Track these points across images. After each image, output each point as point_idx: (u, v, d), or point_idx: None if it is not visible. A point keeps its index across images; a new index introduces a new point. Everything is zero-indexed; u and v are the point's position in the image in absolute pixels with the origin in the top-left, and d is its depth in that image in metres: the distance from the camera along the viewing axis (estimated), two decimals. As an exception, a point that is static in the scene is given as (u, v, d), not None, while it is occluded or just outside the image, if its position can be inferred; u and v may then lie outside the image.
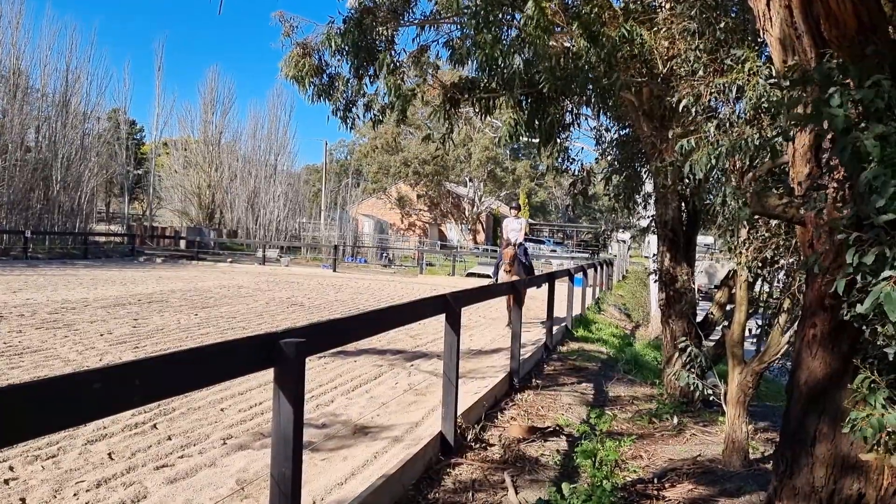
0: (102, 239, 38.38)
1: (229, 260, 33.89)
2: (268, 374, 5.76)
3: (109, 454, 5.21)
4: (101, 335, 10.28)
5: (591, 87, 6.69)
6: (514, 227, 13.29)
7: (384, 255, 41.62)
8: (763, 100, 4.63)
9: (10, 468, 4.82)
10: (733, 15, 6.07)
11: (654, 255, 10.56)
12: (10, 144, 31.41)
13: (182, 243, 38.08)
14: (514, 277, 11.53)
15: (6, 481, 4.60)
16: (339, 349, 9.04)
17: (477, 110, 7.67)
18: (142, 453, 5.27)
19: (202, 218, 44.71)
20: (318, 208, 54.29)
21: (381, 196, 63.17)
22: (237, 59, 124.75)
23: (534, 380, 8.62)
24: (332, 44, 7.08)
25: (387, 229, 55.63)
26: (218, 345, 2.83)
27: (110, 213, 57.30)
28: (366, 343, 9.54)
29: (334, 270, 31.44)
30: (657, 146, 7.06)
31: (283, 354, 2.87)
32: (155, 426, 5.97)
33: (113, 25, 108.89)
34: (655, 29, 6.06)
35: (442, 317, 5.84)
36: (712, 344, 8.17)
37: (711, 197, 5.62)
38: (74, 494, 4.45)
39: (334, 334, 3.89)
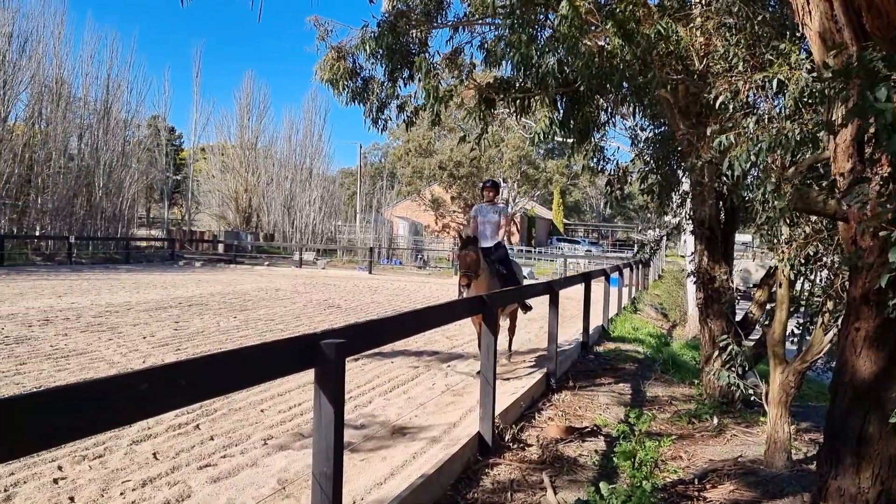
0: (143, 244, 39.13)
1: (266, 263, 34.27)
2: (305, 376, 5.84)
3: (154, 454, 5.32)
4: (144, 338, 10.48)
5: (625, 85, 6.64)
6: (491, 219, 9.14)
7: (419, 256, 41.72)
8: (805, 94, 4.56)
9: (59, 468, 4.95)
10: (771, 9, 5.99)
11: (690, 254, 10.43)
12: (53, 152, 32.21)
13: (220, 247, 38.63)
14: (478, 293, 7.41)
15: (55, 480, 4.72)
16: (376, 350, 9.10)
17: (512, 110, 7.66)
18: (185, 453, 5.37)
19: (239, 222, 45.27)
20: (353, 211, 54.67)
21: (415, 198, 63.30)
22: (272, 64, 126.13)
23: (570, 380, 8.58)
24: (367, 47, 7.12)
25: (421, 231, 55.74)
26: (260, 346, 2.87)
27: (150, 218, 58.30)
28: (402, 344, 9.59)
29: (370, 272, 31.61)
30: (693, 143, 6.98)
31: (323, 355, 2.91)
32: (198, 426, 6.07)
33: (152, 33, 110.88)
34: (692, 25, 6.01)
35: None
36: (751, 344, 8.05)
37: (750, 194, 5.53)
38: (121, 493, 4.56)
39: (373, 335, 3.92)
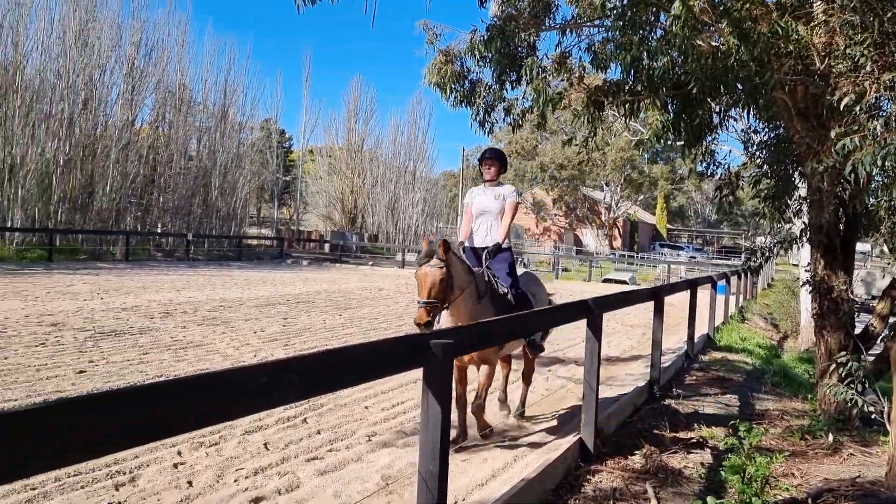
0: (254, 242, 40.77)
1: (370, 263, 35.01)
2: (406, 375, 5.95)
3: (265, 444, 5.55)
4: (255, 332, 10.92)
5: (740, 86, 6.43)
6: (489, 208, 6.24)
7: (519, 259, 41.61)
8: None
9: (179, 453, 5.23)
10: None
11: (806, 262, 9.97)
12: (175, 154, 34.10)
13: (326, 247, 39.80)
14: (445, 324, 5.40)
15: (175, 465, 5.00)
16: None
17: (621, 113, 7.54)
18: (294, 445, 5.58)
19: (345, 222, 46.45)
20: (454, 213, 55.08)
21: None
22: (379, 67, 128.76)
23: (674, 389, 8.37)
24: (476, 51, 7.17)
25: (522, 234, 55.63)
26: (371, 344, 2.96)
27: (261, 217, 60.62)
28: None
29: (470, 275, 31.67)
30: (812, 147, 6.68)
31: (432, 355, 2.96)
32: (305, 420, 6.29)
33: (267, 40, 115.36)
34: (813, 23, 5.75)
35: (578, 323, 5.81)
36: (872, 358, 7.62)
37: (875, 200, 5.24)
38: (235, 480, 4.78)
39: (480, 336, 3.96)
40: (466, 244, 6.23)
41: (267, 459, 5.22)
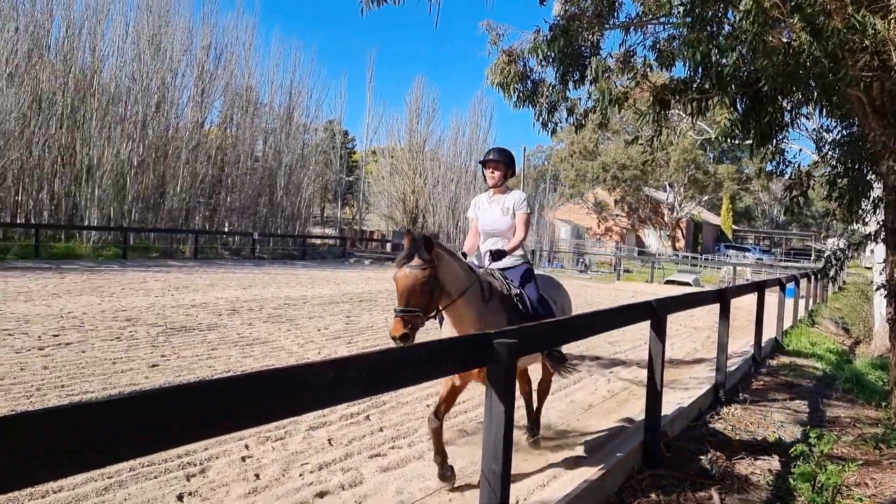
0: (318, 241, 41.48)
1: (430, 263, 35.09)
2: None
3: (329, 440, 5.66)
4: (319, 330, 11.12)
5: (812, 83, 6.25)
6: (498, 224, 5.43)
7: (580, 260, 41.29)
8: None
9: (246, 447, 5.38)
10: None
11: (881, 264, 9.60)
12: (241, 155, 35.03)
13: (388, 246, 40.23)
14: (447, 332, 4.81)
15: (243, 458, 5.14)
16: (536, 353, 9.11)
17: (688, 112, 7.41)
18: (357, 441, 5.67)
19: (406, 222, 46.77)
20: (513, 213, 54.88)
21: (577, 201, 62.69)
22: (440, 68, 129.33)
23: (741, 393, 8.18)
24: (539, 51, 7.16)
25: (583, 234, 55.14)
26: (437, 343, 2.99)
27: (324, 217, 61.57)
28: (563, 347, 9.54)
29: (530, 275, 31.61)
30: (889, 146, 6.46)
31: (496, 355, 2.98)
32: (368, 417, 6.38)
33: (331, 41, 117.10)
34: (891, 17, 5.55)
35: (641, 325, 5.74)
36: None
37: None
38: (300, 475, 4.89)
39: (544, 337, 3.96)
40: (475, 262, 5.27)
41: (331, 455, 5.31)
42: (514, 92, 7.95)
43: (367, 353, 2.73)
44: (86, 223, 27.23)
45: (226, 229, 34.57)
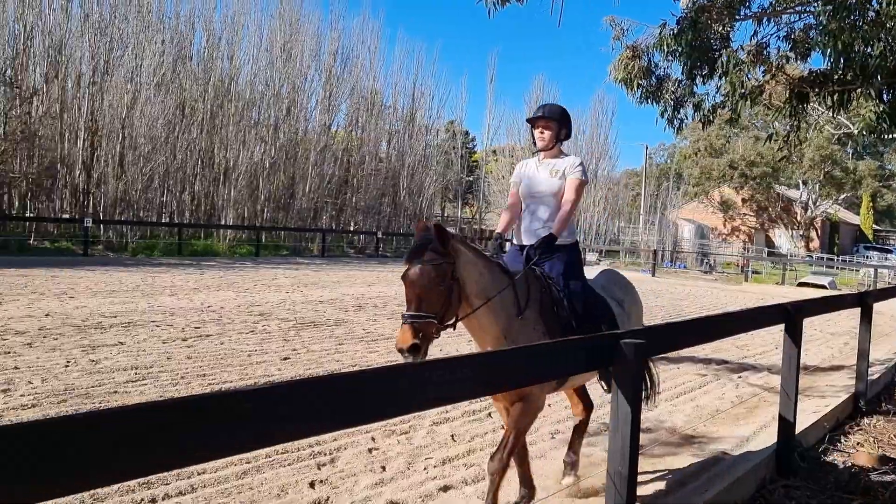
0: (438, 240, 42.03)
1: (549, 262, 34.93)
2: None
3: (452, 436, 5.76)
4: (440, 328, 11.29)
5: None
6: (545, 188, 4.42)
7: (705, 260, 39.88)
8: None
9: (373, 439, 5.55)
10: None
11: None
12: (366, 156, 36.18)
13: (508, 245, 40.32)
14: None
15: (370, 450, 5.31)
16: (661, 355, 8.90)
17: (828, 104, 7.02)
18: (479, 438, 5.74)
19: (525, 221, 46.66)
20: (636, 213, 53.68)
21: (702, 200, 60.43)
22: (560, 66, 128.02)
23: (884, 404, 7.68)
24: (665, 45, 7.00)
25: (708, 234, 53.07)
26: (561, 342, 3.00)
27: (445, 217, 62.30)
28: (688, 350, 9.27)
29: (653, 275, 30.87)
30: None
31: (622, 355, 2.95)
32: (489, 415, 6.43)
33: (452, 42, 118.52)
34: None
35: (772, 329, 5.50)
36: None
37: None
38: (425, 468, 5.01)
39: (671, 338, 3.88)
40: (513, 241, 4.54)
41: (454, 450, 5.41)
42: (638, 88, 7.82)
43: (488, 352, 2.76)
44: (222, 222, 28.94)
45: (351, 228, 35.75)
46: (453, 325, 3.70)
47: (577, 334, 3.50)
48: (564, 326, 3.95)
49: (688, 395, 7.71)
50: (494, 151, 52.17)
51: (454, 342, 9.08)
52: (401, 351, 3.40)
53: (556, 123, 4.43)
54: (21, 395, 6.08)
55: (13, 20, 24.37)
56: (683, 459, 5.45)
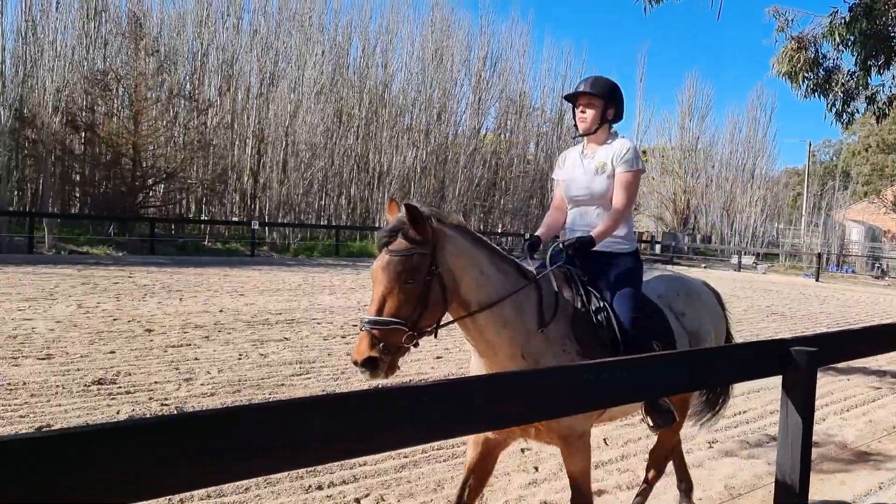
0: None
1: (703, 265, 33.79)
2: (752, 384, 5.67)
3: (605, 440, 5.70)
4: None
5: None
6: (586, 192, 3.62)
7: (876, 265, 36.89)
8: None
9: (525, 439, 5.59)
10: None
11: None
12: (514, 158, 36.49)
13: (657, 248, 39.26)
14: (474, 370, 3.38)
15: (522, 450, 5.36)
16: (828, 366, 8.37)
17: None
18: (633, 443, 5.65)
19: (676, 223, 45.15)
20: (797, 214, 50.48)
21: (873, 199, 55.91)
22: (715, 63, 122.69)
23: None
24: (836, 35, 6.59)
25: (879, 237, 49.01)
26: (721, 349, 2.91)
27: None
28: (860, 361, 8.65)
29: (817, 280, 28.99)
30: None
31: (794, 362, 2.83)
32: (643, 420, 6.31)
33: (600, 37, 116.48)
34: None
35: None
36: None
37: None
38: (579, 470, 4.99)
39: (846, 347, 3.65)
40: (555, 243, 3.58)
41: (607, 454, 5.36)
42: (804, 81, 7.43)
43: (642, 357, 2.69)
44: (377, 225, 30.12)
45: (499, 230, 36.04)
46: (433, 332, 2.91)
47: (632, 348, 3.10)
48: (604, 346, 3.19)
49: (859, 409, 7.22)
50: (644, 152, 50.80)
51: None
52: (355, 364, 2.69)
53: (600, 100, 3.55)
54: (201, 385, 6.63)
55: (192, 38, 26.58)
56: (855, 477, 5.13)
